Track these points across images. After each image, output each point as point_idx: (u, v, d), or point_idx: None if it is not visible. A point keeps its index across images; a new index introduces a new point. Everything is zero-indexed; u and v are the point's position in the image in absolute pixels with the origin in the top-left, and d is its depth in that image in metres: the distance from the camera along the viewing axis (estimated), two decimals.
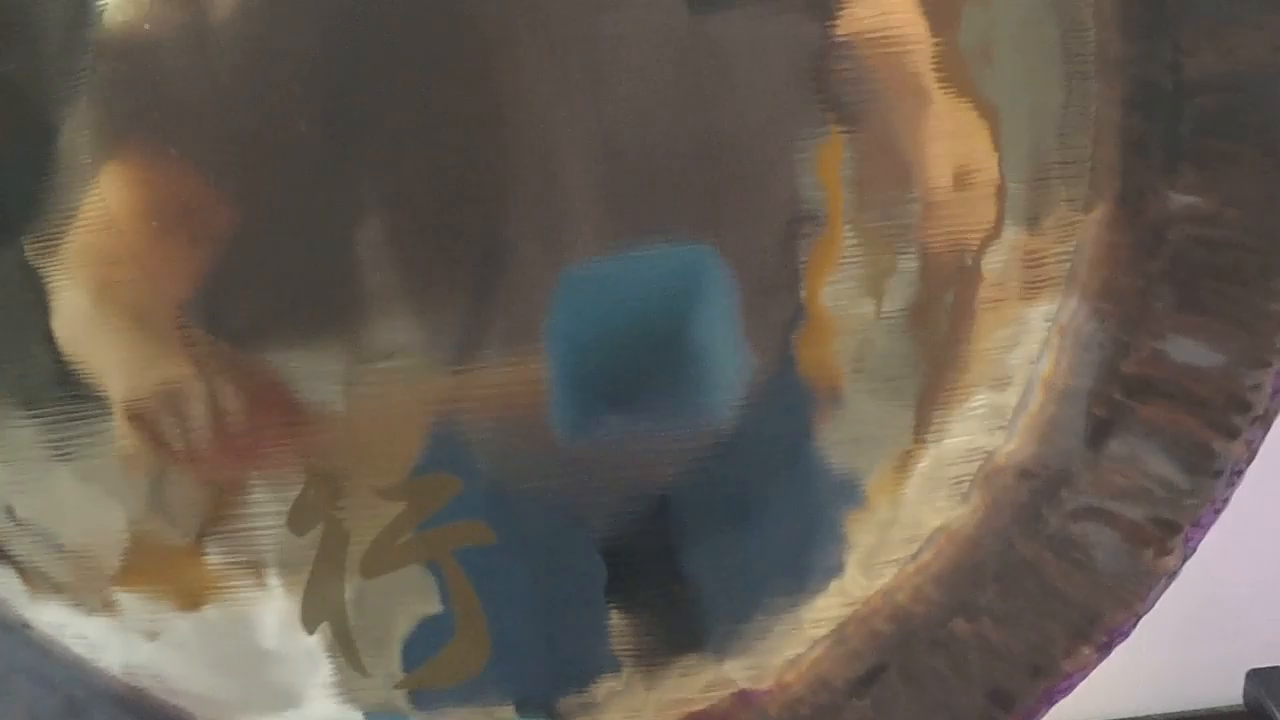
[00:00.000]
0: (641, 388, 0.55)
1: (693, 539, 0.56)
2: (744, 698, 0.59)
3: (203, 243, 0.55)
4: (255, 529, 0.58)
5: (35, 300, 0.56)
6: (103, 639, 0.62)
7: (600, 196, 0.52)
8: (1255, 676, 1.08)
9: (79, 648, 0.62)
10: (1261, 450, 0.53)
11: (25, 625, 0.62)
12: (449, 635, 0.58)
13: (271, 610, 0.59)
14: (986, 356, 0.54)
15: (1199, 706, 1.16)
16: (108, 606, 0.61)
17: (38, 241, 0.55)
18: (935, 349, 0.54)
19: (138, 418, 0.57)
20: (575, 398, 0.55)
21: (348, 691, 0.61)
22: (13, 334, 0.56)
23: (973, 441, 0.55)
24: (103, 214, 0.54)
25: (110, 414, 0.57)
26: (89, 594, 0.60)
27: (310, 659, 0.60)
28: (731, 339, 0.54)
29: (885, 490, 0.56)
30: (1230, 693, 1.09)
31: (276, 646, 0.60)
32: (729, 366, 0.54)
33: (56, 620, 0.62)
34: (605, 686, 0.60)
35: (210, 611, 0.60)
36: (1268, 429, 0.52)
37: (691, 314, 0.54)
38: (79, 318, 0.56)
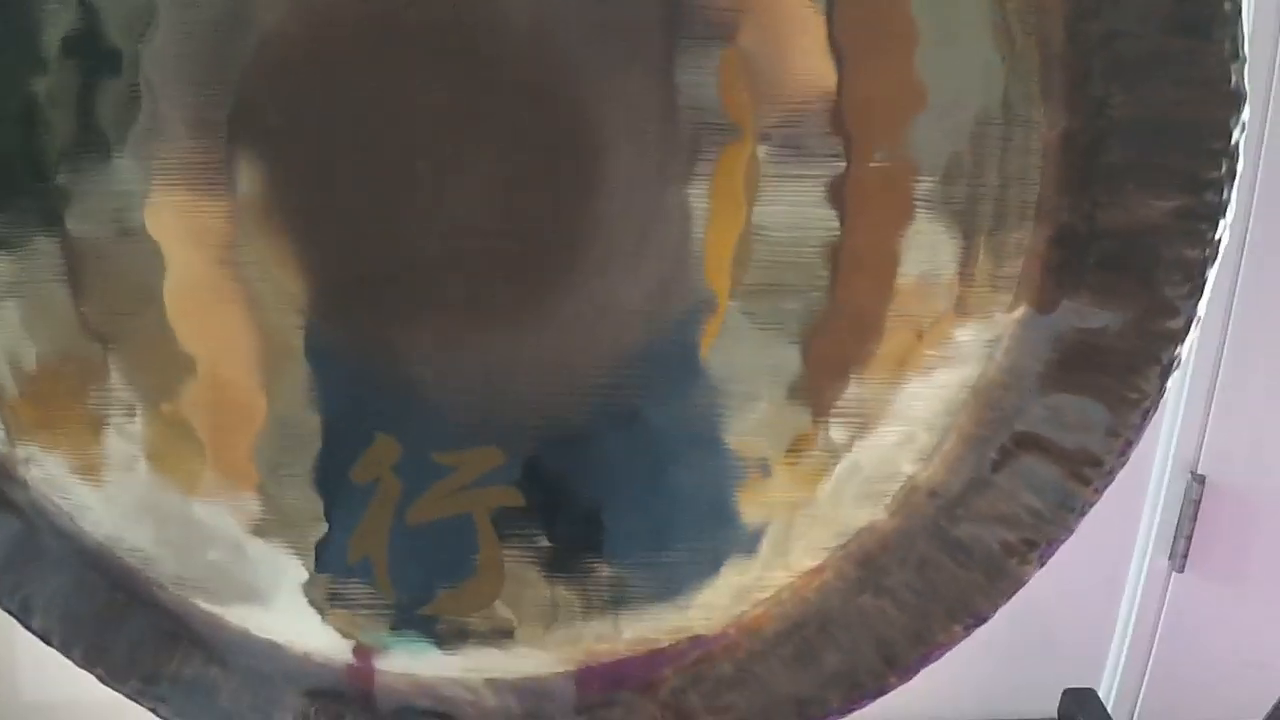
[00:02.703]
0: None
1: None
2: (697, 641, 0.69)
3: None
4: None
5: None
6: (155, 551, 0.68)
7: None
8: (1070, 695, 1.19)
9: (131, 559, 0.69)
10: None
11: (80, 532, 0.68)
12: (470, 573, 0.67)
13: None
14: (919, 407, 0.64)
15: (1017, 718, 1.30)
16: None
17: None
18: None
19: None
20: None
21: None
22: None
23: (899, 466, 0.66)
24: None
25: None
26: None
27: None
28: None
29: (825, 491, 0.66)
30: (1046, 708, 1.21)
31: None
32: None
33: (110, 533, 0.68)
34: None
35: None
36: (1109, 482, 0.65)
37: None
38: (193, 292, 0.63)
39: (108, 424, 0.66)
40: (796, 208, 0.61)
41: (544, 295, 0.63)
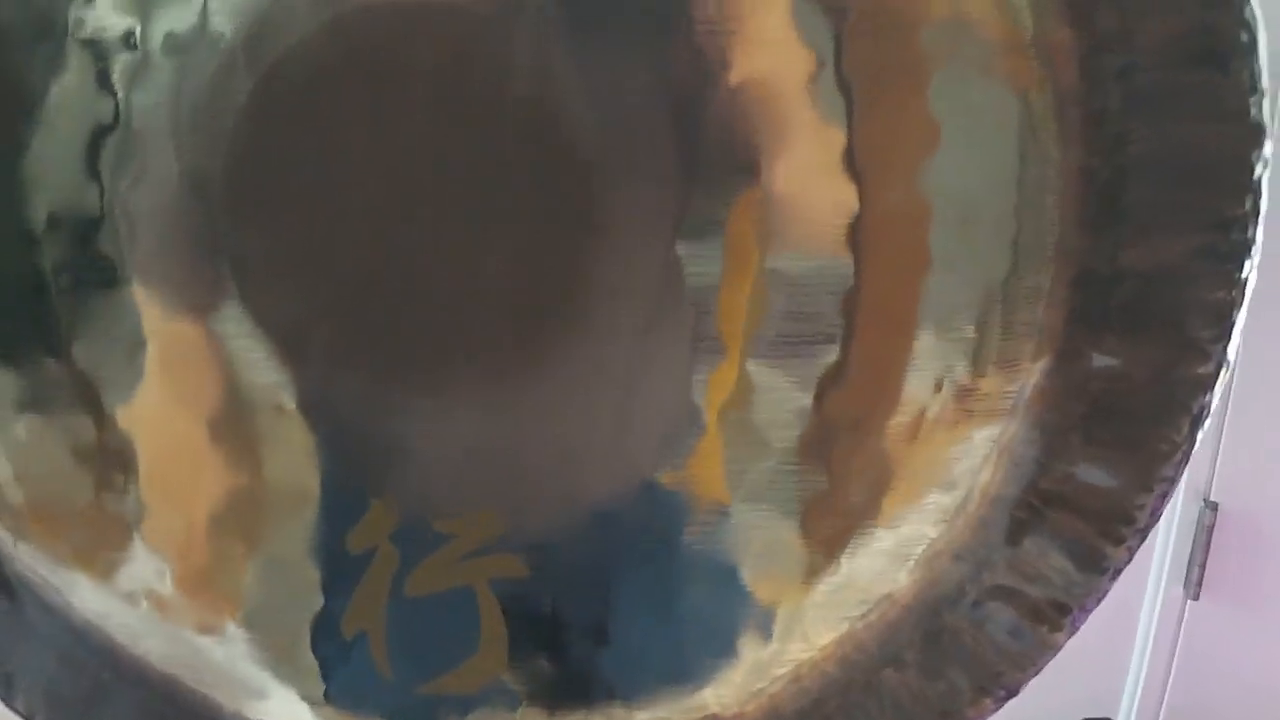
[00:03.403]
0: None
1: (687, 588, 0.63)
2: None
3: None
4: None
5: None
6: (146, 629, 0.65)
7: None
8: None
9: (121, 635, 0.65)
10: None
11: (68, 607, 0.65)
12: (473, 649, 0.63)
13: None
14: (940, 465, 0.61)
15: None
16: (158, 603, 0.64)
17: None
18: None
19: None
20: None
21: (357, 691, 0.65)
22: None
23: (921, 530, 0.62)
24: None
25: None
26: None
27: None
28: None
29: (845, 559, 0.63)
30: None
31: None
32: None
33: (100, 610, 0.65)
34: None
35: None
36: (1145, 538, 0.61)
37: None
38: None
39: (110, 523, 0.63)
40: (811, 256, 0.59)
41: (544, 357, 0.60)
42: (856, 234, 0.58)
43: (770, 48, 0.57)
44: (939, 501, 0.62)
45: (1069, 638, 0.62)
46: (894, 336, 0.60)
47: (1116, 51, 0.56)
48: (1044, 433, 0.60)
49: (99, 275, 0.59)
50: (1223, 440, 1.28)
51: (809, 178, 0.58)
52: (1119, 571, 0.61)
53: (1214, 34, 0.55)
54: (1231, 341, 0.58)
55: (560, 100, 0.57)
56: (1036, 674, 0.62)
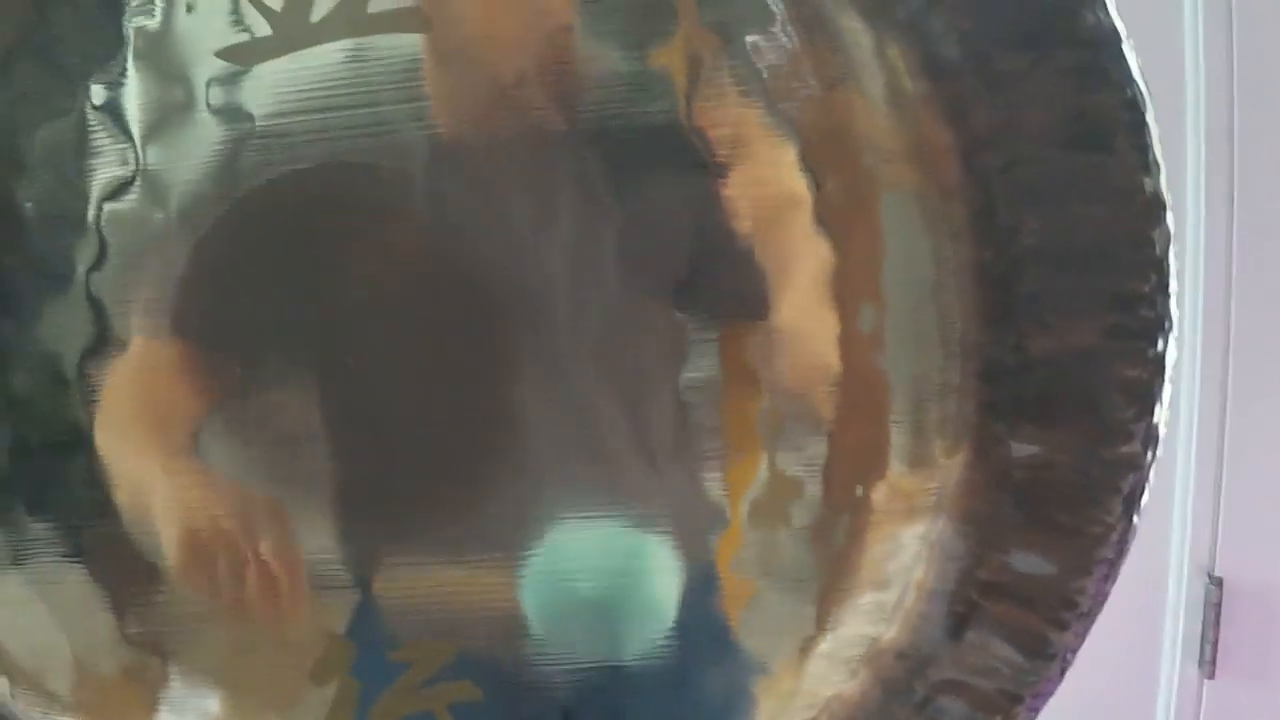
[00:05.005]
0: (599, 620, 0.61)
1: (637, 702, 0.62)
2: None
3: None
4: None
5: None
6: None
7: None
8: None
9: None
10: None
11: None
12: None
13: None
14: (873, 565, 0.60)
15: None
16: None
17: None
18: (832, 559, 0.60)
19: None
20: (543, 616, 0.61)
21: None
22: None
23: (861, 629, 0.61)
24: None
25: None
26: None
27: None
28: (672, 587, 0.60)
29: (790, 668, 0.61)
30: None
31: None
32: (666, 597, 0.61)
33: None
34: None
35: None
36: (1092, 622, 0.59)
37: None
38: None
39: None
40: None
41: (486, 493, 0.60)
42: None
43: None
44: (876, 600, 0.60)
45: None
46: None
47: (998, 146, 0.55)
48: (974, 525, 0.59)
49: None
50: (1222, 515, 1.23)
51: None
52: (1067, 658, 0.59)
53: (1094, 118, 0.54)
54: (1155, 418, 0.56)
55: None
56: None
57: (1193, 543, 1.25)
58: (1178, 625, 1.27)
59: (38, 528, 0.61)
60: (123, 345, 0.59)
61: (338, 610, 0.61)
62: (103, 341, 0.59)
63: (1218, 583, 1.24)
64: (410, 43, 0.56)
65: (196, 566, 0.60)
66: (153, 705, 0.63)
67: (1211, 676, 1.25)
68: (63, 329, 0.59)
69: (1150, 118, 0.54)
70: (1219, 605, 1.24)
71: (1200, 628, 1.25)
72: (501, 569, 0.60)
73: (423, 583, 0.61)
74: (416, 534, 0.61)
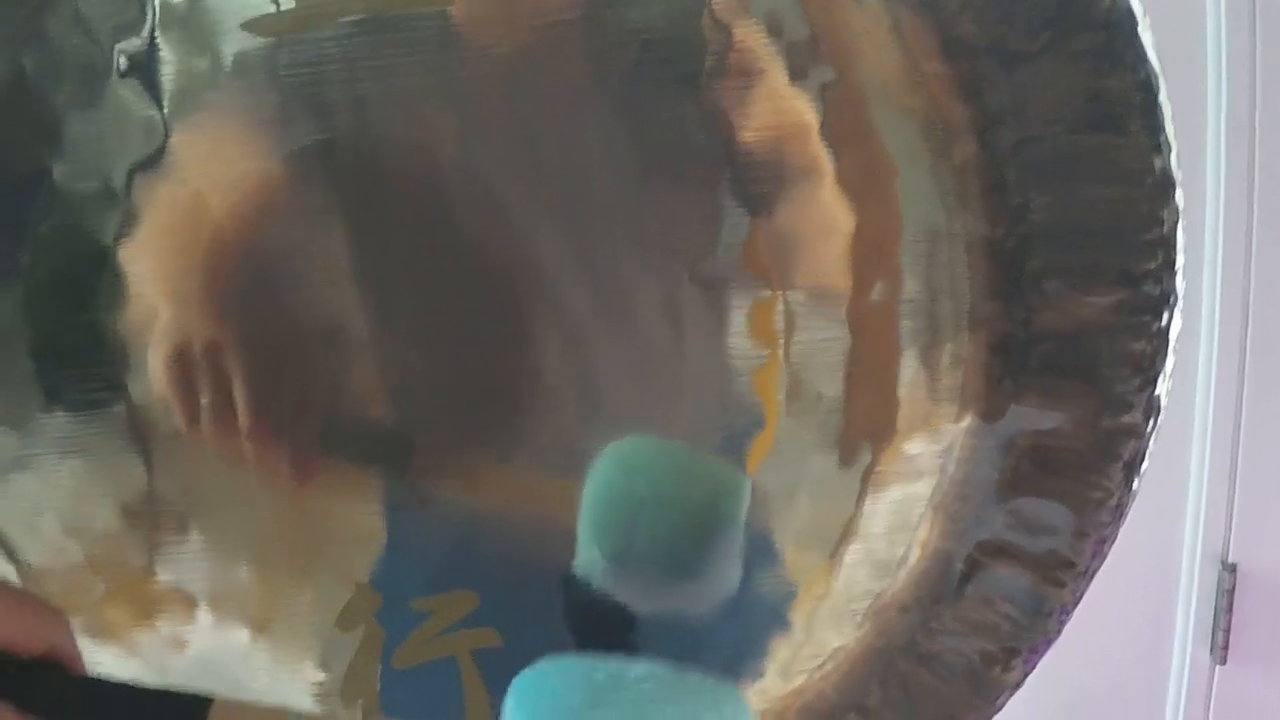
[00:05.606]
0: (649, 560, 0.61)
1: (653, 648, 0.62)
2: None
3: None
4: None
5: None
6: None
7: None
8: None
9: None
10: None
11: None
12: (460, 716, 0.65)
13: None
14: (876, 522, 0.62)
15: None
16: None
17: None
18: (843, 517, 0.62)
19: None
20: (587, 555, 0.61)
21: None
22: None
23: (867, 584, 0.63)
24: None
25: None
26: None
27: None
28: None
29: (801, 617, 0.63)
30: None
31: None
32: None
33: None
34: None
35: None
36: (1090, 580, 0.61)
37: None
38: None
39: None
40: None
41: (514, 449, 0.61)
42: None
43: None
44: (880, 557, 0.62)
45: (1024, 677, 0.62)
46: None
47: (1011, 125, 0.56)
48: (977, 488, 0.61)
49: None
50: (1236, 501, 1.23)
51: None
52: (1064, 615, 0.61)
53: (1107, 100, 0.55)
54: (1158, 389, 0.58)
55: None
56: (994, 714, 0.63)
57: (1206, 529, 1.25)
58: (1190, 611, 1.27)
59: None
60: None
61: (363, 558, 0.63)
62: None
63: (1231, 569, 1.25)
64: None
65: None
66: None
67: (1223, 662, 1.26)
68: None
69: (1163, 98, 0.55)
70: (1231, 591, 1.24)
71: (1213, 614, 1.25)
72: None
73: (451, 530, 0.62)
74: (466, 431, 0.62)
